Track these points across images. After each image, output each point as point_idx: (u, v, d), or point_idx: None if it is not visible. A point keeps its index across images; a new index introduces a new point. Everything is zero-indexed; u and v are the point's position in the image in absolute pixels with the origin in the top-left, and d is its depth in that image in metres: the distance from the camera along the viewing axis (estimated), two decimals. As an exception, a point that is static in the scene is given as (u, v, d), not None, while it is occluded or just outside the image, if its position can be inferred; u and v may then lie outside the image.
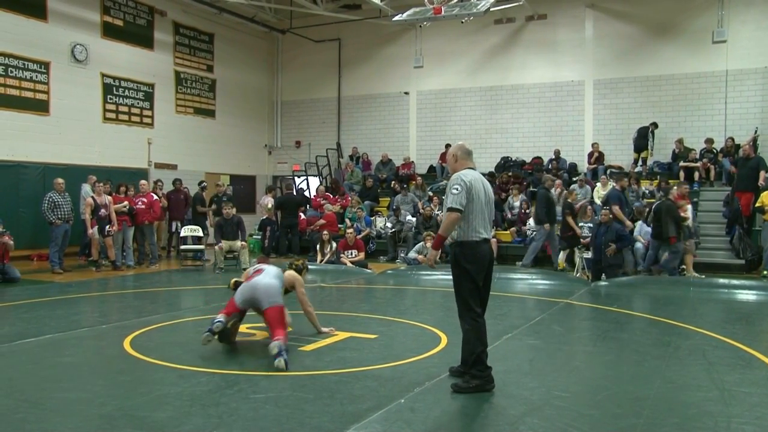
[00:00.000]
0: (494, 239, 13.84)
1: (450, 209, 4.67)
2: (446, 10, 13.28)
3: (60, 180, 12.31)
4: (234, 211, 12.93)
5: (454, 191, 4.68)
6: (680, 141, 15.68)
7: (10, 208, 13.29)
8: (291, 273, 6.47)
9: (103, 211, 12.13)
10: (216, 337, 5.67)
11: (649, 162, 16.21)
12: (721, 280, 10.76)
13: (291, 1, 18.29)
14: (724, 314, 8.85)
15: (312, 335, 6.50)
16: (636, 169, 15.58)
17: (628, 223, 12.20)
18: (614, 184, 13.05)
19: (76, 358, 5.71)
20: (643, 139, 16.02)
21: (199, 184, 15.96)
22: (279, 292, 5.92)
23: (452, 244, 4.82)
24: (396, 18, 14.51)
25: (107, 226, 12.17)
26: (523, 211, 14.75)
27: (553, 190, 13.60)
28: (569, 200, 12.68)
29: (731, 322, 8.01)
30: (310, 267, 12.82)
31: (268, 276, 5.95)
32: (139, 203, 13.25)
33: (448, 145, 18.26)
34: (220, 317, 5.67)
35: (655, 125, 16.07)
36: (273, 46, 21.26)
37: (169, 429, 3.90)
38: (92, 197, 12.22)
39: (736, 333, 6.99)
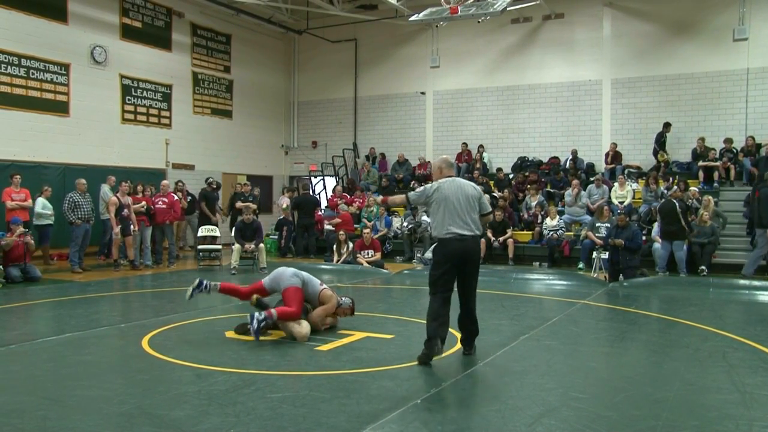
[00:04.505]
0: (510, 239, 13.88)
1: (406, 194, 6.00)
2: (463, 10, 13.25)
3: (83, 180, 12.47)
4: (254, 216, 12.80)
5: (420, 189, 5.86)
6: (702, 140, 15.47)
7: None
8: (329, 293, 6.80)
9: (125, 211, 12.27)
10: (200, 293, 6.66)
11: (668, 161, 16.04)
12: (742, 281, 10.63)
13: (307, 2, 18.37)
14: (745, 316, 8.73)
15: (329, 335, 6.53)
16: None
17: None
18: None
19: (96, 357, 5.77)
20: (658, 143, 15.92)
21: (206, 180, 15.55)
22: (291, 276, 6.54)
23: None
24: (412, 18, 14.52)
25: (130, 226, 12.30)
26: (544, 212, 14.50)
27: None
28: None
29: (752, 324, 7.89)
30: (325, 267, 13.02)
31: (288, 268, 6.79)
32: (159, 203, 13.36)
33: (464, 144, 18.28)
34: (216, 283, 6.72)
35: (666, 126, 15.90)
36: (290, 47, 21.34)
37: (187, 427, 3.93)
38: (116, 197, 12.35)
39: (757, 335, 6.89)
